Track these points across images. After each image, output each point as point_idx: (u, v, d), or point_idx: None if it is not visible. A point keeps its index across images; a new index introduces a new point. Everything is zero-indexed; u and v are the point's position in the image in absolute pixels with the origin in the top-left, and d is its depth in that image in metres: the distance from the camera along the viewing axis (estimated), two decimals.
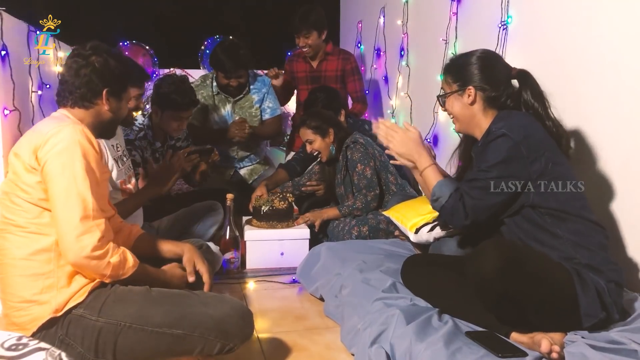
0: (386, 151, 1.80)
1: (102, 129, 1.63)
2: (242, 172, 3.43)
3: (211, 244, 2.08)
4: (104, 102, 1.58)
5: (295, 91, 3.68)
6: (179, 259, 1.71)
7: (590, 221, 1.55)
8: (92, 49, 1.57)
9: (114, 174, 2.11)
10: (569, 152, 1.67)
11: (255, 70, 3.45)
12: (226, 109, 3.27)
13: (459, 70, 1.72)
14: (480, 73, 1.68)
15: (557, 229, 1.53)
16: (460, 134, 1.90)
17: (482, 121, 1.70)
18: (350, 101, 3.60)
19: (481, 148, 1.64)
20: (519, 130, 1.54)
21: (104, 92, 1.56)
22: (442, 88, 1.79)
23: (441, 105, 1.80)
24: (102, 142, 2.06)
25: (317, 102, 3.05)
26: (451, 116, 1.78)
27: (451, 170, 2.14)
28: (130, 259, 1.48)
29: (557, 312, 1.46)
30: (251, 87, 3.29)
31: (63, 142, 1.40)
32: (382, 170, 2.72)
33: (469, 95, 1.69)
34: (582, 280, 1.46)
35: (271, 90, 3.36)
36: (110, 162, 2.10)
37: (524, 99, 1.68)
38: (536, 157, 1.53)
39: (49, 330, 1.39)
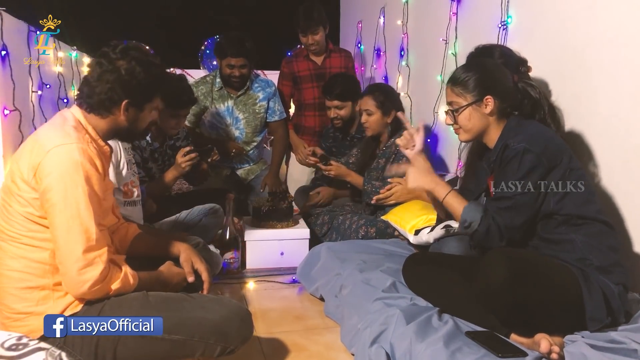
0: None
1: (115, 135, 1.55)
2: (240, 171, 3.43)
3: (211, 247, 2.07)
4: (121, 113, 1.47)
5: (296, 92, 3.67)
6: (175, 259, 1.69)
7: (603, 223, 1.55)
8: (121, 52, 1.45)
9: (123, 174, 2.12)
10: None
11: (256, 71, 3.45)
12: (226, 105, 3.26)
13: (474, 80, 1.65)
14: (496, 81, 1.65)
15: (572, 234, 1.54)
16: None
17: (493, 131, 1.68)
18: None
19: (499, 162, 1.61)
20: (538, 142, 1.54)
21: (124, 103, 1.46)
22: (451, 103, 1.70)
23: (453, 121, 1.69)
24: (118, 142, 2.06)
25: (337, 85, 3.02)
26: (456, 127, 1.70)
27: (452, 168, 2.14)
28: (131, 279, 1.45)
29: (563, 316, 1.46)
30: (254, 85, 3.29)
31: (64, 164, 1.34)
32: None
33: (486, 105, 1.64)
34: (589, 284, 1.46)
35: (277, 93, 3.38)
36: (123, 161, 2.10)
37: (537, 111, 1.66)
38: (555, 165, 1.53)
39: (47, 339, 1.36)
